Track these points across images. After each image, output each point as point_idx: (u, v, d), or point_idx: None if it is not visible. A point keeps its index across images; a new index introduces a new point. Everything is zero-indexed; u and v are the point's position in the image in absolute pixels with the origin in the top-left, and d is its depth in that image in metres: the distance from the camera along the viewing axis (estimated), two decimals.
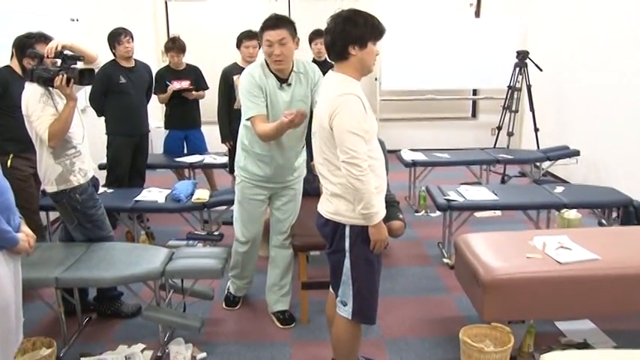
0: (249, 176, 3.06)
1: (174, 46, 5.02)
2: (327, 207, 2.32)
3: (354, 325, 2.42)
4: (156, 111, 7.61)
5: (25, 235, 2.16)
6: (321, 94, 2.32)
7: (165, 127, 5.35)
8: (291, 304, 3.35)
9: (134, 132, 4.62)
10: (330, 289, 2.61)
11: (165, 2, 7.64)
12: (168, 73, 5.11)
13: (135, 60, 4.58)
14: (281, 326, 3.23)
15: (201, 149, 5.33)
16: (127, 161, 4.62)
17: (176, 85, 5.00)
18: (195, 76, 5.13)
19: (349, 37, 2.16)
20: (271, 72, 2.82)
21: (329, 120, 2.16)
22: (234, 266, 3.36)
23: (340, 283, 2.37)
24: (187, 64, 5.15)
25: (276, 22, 2.69)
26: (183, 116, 5.19)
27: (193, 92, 5.07)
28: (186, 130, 5.28)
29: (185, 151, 5.34)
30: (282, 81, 2.83)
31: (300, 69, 2.90)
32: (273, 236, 3.25)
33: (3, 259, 2.06)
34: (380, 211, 2.22)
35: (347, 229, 2.28)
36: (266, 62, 2.84)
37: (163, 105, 5.22)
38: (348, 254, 2.30)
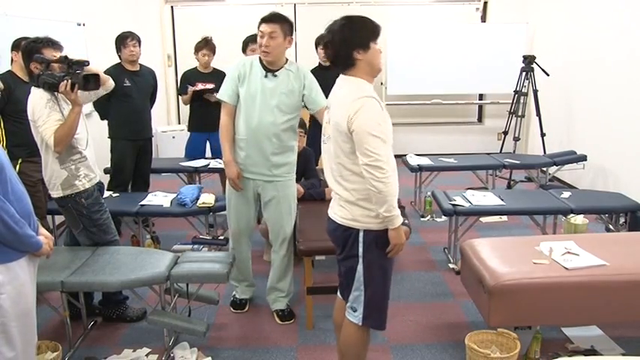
0: None
1: (207, 45, 5.01)
2: (341, 212, 2.29)
3: (363, 331, 2.40)
4: (161, 114, 7.67)
5: (45, 237, 2.15)
6: (335, 99, 2.29)
7: (188, 130, 5.34)
8: (296, 308, 3.38)
9: (137, 136, 4.62)
10: (338, 294, 2.59)
11: (172, 7, 7.68)
12: (194, 75, 5.10)
13: (140, 65, 4.60)
14: (280, 322, 3.30)
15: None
16: (131, 166, 4.62)
17: (199, 85, 4.99)
18: (220, 80, 5.04)
19: (351, 44, 2.16)
20: (261, 63, 3.00)
21: (347, 123, 2.13)
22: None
23: (352, 289, 2.35)
24: (214, 68, 5.14)
25: (271, 17, 2.92)
26: (204, 119, 5.14)
27: (215, 95, 5.02)
28: (208, 132, 5.20)
29: (209, 154, 5.32)
30: (269, 71, 2.99)
31: (292, 69, 3.05)
32: (272, 240, 3.32)
33: (26, 264, 2.05)
34: (399, 214, 2.20)
35: (361, 234, 2.25)
36: (260, 57, 3.03)
37: (187, 107, 5.22)
38: (361, 260, 2.27)
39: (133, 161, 4.63)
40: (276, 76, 2.99)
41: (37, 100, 2.81)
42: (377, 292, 2.32)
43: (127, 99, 4.46)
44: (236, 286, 3.49)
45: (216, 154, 5.25)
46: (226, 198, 3.30)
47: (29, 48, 2.98)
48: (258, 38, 2.92)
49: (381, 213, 2.16)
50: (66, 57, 2.82)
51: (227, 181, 3.22)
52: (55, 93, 2.84)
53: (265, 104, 2.98)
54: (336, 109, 2.23)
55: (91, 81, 2.88)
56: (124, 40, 4.43)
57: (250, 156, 3.08)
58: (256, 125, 3.00)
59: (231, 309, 3.47)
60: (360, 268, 2.28)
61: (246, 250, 3.39)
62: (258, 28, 2.92)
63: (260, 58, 3.01)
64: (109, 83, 3.25)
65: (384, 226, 2.23)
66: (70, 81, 2.76)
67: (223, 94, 3.08)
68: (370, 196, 2.18)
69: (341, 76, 2.28)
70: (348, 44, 2.16)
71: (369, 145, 2.09)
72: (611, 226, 4.26)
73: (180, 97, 5.12)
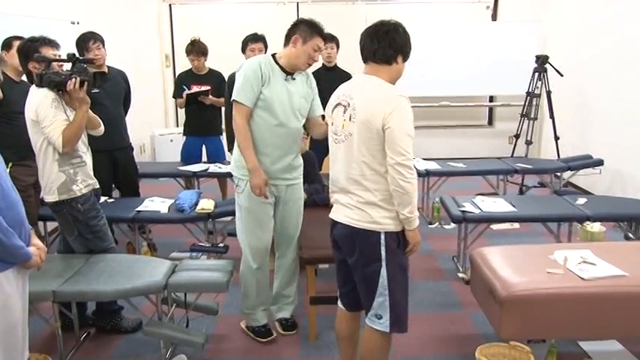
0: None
1: (193, 48, 4.90)
2: (358, 216, 2.26)
3: (388, 338, 2.38)
4: (159, 117, 7.62)
5: (36, 248, 2.08)
6: (360, 95, 2.25)
7: (184, 134, 5.26)
8: (299, 319, 3.30)
9: (112, 146, 4.14)
10: (340, 304, 2.53)
11: (170, 5, 7.64)
12: (189, 78, 5.03)
13: (108, 67, 4.16)
14: (282, 332, 3.22)
15: (220, 157, 5.14)
16: (108, 180, 4.22)
17: (194, 88, 4.91)
18: (216, 81, 4.97)
19: (401, 48, 2.27)
20: (277, 65, 2.92)
21: (382, 120, 2.13)
22: (247, 294, 3.14)
23: (375, 296, 2.30)
24: (210, 69, 5.06)
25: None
26: (200, 123, 5.06)
27: (210, 97, 4.92)
28: (204, 137, 5.15)
29: (206, 158, 5.24)
30: (288, 74, 2.93)
31: (304, 72, 3.04)
32: (278, 245, 3.21)
33: (13, 277, 1.97)
34: (418, 214, 2.25)
35: (382, 237, 2.23)
36: (273, 57, 2.94)
37: (183, 110, 5.15)
38: (384, 263, 2.25)
39: (110, 175, 4.24)
40: (294, 79, 2.95)
41: (42, 100, 2.77)
42: (400, 295, 2.31)
43: (96, 107, 3.69)
44: (252, 313, 3.17)
45: (213, 158, 5.17)
46: (243, 212, 3.00)
47: (27, 48, 2.97)
48: (311, 50, 2.83)
49: (404, 214, 2.18)
50: (74, 54, 2.81)
51: (242, 196, 2.98)
52: (60, 92, 2.81)
53: (291, 108, 2.91)
54: (365, 105, 2.21)
55: (97, 79, 2.89)
56: (85, 42, 3.95)
57: (276, 161, 2.96)
58: (286, 130, 2.92)
59: (259, 339, 3.13)
60: (384, 272, 2.26)
61: (267, 270, 3.17)
62: (312, 37, 2.81)
63: (275, 60, 2.90)
64: (101, 129, 3.16)
65: (402, 227, 2.25)
66: (79, 78, 2.75)
67: (242, 96, 2.83)
68: (389, 197, 2.20)
69: (361, 74, 2.32)
70: (399, 46, 2.27)
71: (404, 144, 2.13)
72: (630, 234, 4.14)
73: (175, 100, 4.98)
